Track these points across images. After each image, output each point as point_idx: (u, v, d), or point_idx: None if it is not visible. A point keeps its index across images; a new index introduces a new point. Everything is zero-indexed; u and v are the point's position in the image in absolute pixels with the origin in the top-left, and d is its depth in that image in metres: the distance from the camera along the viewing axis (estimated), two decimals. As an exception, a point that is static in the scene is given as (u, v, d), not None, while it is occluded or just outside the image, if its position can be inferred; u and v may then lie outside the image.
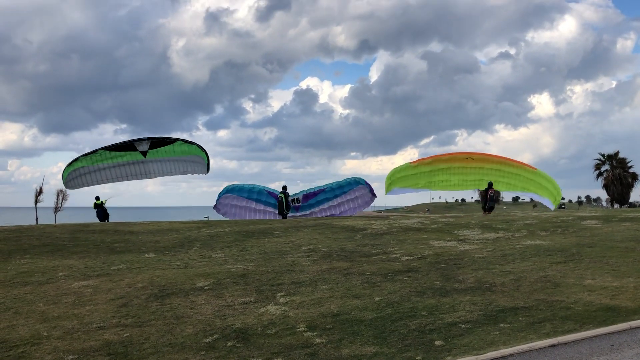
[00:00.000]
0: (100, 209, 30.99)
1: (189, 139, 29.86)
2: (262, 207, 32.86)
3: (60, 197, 49.13)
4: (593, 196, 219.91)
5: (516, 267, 12.07)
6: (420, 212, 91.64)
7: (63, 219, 45.86)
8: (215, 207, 33.89)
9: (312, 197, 32.80)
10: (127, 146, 28.13)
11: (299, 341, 7.90)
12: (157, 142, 28.44)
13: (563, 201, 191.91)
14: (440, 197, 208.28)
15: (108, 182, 29.06)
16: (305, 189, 33.47)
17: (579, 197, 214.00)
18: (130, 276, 12.29)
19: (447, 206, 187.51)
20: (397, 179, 25.34)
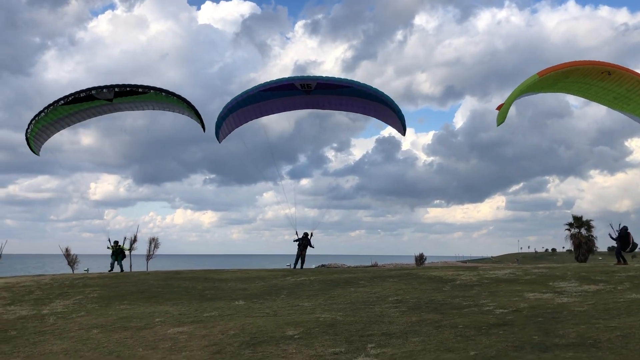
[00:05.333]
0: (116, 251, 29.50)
1: (168, 90, 23.17)
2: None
3: (152, 245, 51.25)
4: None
5: (622, 323, 11.23)
6: (509, 263, 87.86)
7: (154, 266, 47.80)
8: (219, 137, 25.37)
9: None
10: (84, 97, 23.15)
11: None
12: (123, 92, 23.26)
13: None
14: (529, 247, 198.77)
15: (71, 125, 24.62)
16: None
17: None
18: (222, 323, 12.57)
19: (536, 256, 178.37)
20: (517, 93, 21.92)
